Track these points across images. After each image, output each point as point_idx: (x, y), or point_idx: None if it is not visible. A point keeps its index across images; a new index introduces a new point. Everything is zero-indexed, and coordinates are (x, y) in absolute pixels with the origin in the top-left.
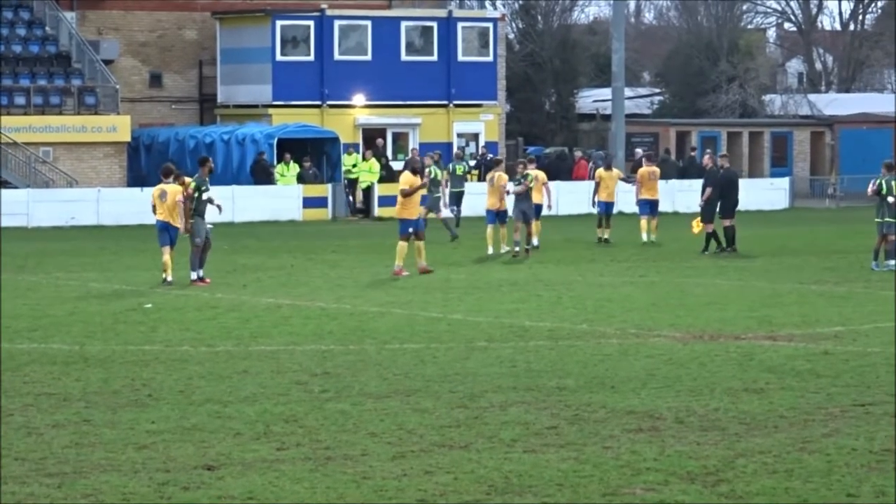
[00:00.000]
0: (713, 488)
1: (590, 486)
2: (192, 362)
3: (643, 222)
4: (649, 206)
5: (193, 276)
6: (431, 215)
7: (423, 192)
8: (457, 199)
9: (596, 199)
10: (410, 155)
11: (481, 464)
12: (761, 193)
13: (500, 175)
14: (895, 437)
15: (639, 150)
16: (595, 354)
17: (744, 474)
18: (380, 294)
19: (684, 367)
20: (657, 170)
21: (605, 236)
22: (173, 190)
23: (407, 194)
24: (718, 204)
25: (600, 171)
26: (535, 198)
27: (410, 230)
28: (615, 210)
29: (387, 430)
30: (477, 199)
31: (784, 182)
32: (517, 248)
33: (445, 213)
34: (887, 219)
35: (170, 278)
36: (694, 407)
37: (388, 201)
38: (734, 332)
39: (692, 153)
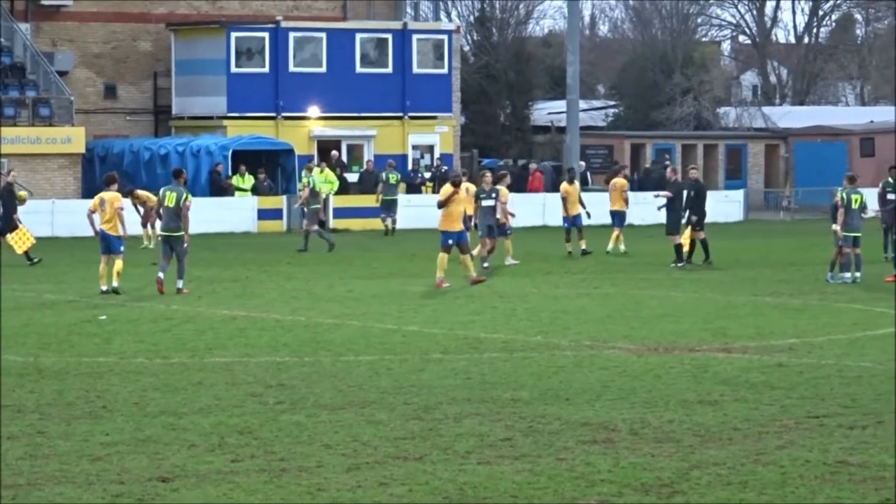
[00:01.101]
0: (668, 500)
1: (544, 497)
2: (146, 374)
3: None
4: (610, 217)
5: (180, 283)
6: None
7: (460, 206)
8: (388, 206)
9: (563, 214)
10: (366, 167)
11: (436, 475)
12: (716, 206)
13: (502, 190)
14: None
15: (582, 163)
16: (549, 366)
17: (698, 486)
18: (335, 306)
19: (639, 379)
20: (619, 181)
21: (570, 249)
22: (112, 198)
23: (441, 205)
24: (686, 215)
25: (565, 186)
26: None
27: (451, 242)
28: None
29: (341, 442)
30: (432, 210)
31: (738, 194)
32: (486, 265)
33: (314, 228)
34: (845, 232)
35: (104, 288)
36: (648, 419)
37: (342, 213)
38: (689, 345)
39: (652, 165)
